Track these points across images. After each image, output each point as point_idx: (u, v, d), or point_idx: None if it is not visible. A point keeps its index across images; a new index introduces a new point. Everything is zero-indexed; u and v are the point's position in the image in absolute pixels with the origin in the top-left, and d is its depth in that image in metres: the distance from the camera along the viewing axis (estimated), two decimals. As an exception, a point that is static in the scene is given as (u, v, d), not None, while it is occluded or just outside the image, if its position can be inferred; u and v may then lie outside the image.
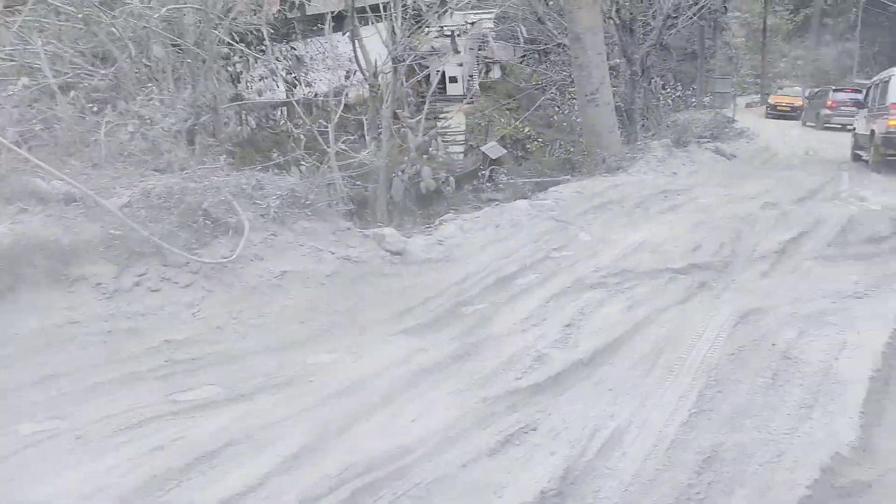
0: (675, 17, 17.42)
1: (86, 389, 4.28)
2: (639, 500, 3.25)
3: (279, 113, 18.22)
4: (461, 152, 24.10)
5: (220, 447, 3.69)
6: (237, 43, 13.86)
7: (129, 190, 5.77)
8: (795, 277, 6.66)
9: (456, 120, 26.28)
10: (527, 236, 8.18)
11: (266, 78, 17.08)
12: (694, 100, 26.98)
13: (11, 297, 5.07)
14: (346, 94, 14.72)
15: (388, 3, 10.89)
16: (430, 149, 10.19)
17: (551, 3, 18.73)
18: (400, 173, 10.27)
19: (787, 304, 5.69)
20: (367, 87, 10.17)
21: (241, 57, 14.54)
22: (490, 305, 6.11)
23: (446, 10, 11.64)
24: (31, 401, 4.13)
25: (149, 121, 7.52)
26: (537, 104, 19.46)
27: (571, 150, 18.27)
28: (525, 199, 9.89)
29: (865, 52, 39.48)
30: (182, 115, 8.36)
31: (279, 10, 17.98)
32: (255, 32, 16.49)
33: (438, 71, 15.12)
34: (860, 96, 17.31)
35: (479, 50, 27.61)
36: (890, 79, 13.98)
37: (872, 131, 14.38)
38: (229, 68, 15.02)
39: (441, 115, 26.19)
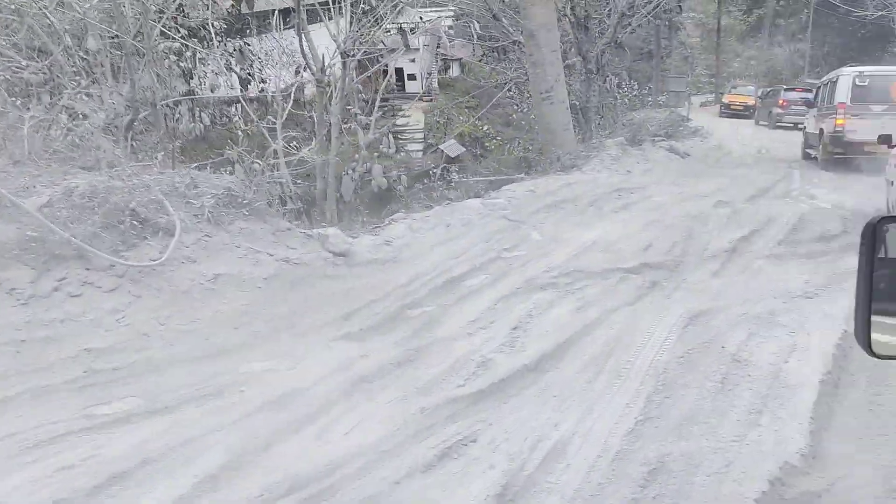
0: (630, 16, 17.41)
1: (-9, 405, 3.96)
2: (581, 517, 3.08)
3: (234, 109, 17.78)
4: (420, 150, 23.86)
5: (135, 466, 3.41)
6: (189, 38, 13.45)
7: (50, 189, 5.41)
8: (746, 277, 6.58)
9: (414, 118, 26.02)
10: (478, 236, 7.99)
11: (220, 74, 16.64)
12: (650, 99, 27.12)
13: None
14: (303, 91, 14.39)
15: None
16: (381, 146, 9.92)
17: (507, -1, 18.61)
18: (350, 171, 9.98)
19: (738, 305, 5.59)
20: (315, 82, 9.85)
21: (193, 52, 14.10)
22: (438, 308, 5.90)
23: (398, 6, 11.39)
24: (-71, 419, 3.80)
25: (81, 116, 7.14)
26: (492, 101, 19.28)
27: (530, 148, 18.15)
28: (478, 197, 9.70)
29: (816, 52, 40.24)
30: (118, 110, 7.98)
31: (232, 6, 17.53)
32: (207, 28, 16.06)
33: (388, 67, 14.85)
34: (811, 96, 17.51)
35: (437, 47, 27.41)
36: (838, 79, 14.14)
37: (821, 130, 14.53)
38: (181, 63, 14.58)
39: (399, 113, 25.91)
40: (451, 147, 21.71)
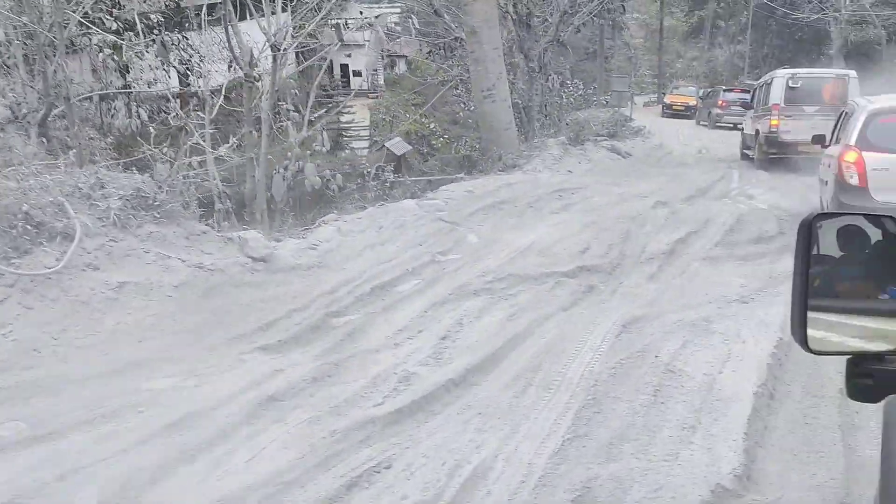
0: (573, 14, 17.32)
1: None
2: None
3: (173, 104, 17.10)
4: (365, 148, 23.46)
5: (1, 506, 3.02)
6: (125, 31, 12.81)
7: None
8: (682, 280, 6.44)
9: (360, 115, 25.57)
10: (412, 239, 7.69)
11: (156, 68, 15.95)
12: (595, 98, 27.21)
13: None
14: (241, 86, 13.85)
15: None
16: (315, 144, 9.53)
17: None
18: (282, 170, 9.56)
19: (673, 311, 5.42)
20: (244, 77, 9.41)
21: (128, 45, 13.43)
22: (363, 316, 5.59)
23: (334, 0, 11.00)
24: None
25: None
26: (436, 97, 19.00)
27: (477, 146, 17.94)
28: (415, 198, 9.39)
29: (756, 54, 41.07)
30: (32, 104, 7.43)
31: (169, -1, 16.82)
32: (145, 21, 15.36)
33: (330, 63, 14.44)
34: (749, 97, 17.75)
35: (383, 43, 26.99)
36: (772, 81, 14.37)
37: (757, 131, 14.75)
38: (115, 58, 13.90)
39: (340, 110, 25.41)
40: (397, 145, 21.36)
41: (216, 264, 5.73)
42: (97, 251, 5.31)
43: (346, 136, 25.22)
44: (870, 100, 7.75)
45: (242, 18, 11.40)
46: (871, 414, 3.66)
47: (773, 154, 13.86)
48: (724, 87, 28.85)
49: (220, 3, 9.03)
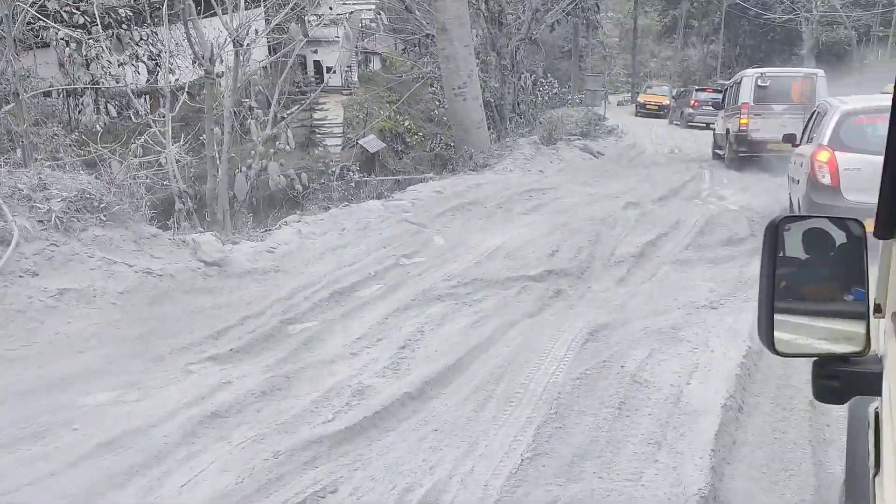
0: (545, 12, 17.17)
1: None
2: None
3: (143, 101, 16.72)
4: (339, 145, 23.14)
5: None
6: (91, 25, 12.45)
7: None
8: (651, 285, 6.29)
9: (334, 112, 25.21)
10: (375, 241, 7.46)
11: (124, 64, 15.58)
12: (570, 97, 27.16)
13: None
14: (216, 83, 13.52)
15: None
16: (278, 143, 9.25)
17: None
18: (245, 169, 9.28)
19: (641, 318, 5.26)
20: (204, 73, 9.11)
21: (89, 41, 13.05)
22: (321, 323, 5.36)
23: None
24: None
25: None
26: (407, 94, 18.76)
27: (451, 145, 17.77)
28: (381, 198, 9.16)
29: (728, 54, 41.37)
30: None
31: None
32: (112, 15, 14.98)
33: (300, 59, 14.16)
34: (720, 97, 17.77)
35: (358, 40, 26.64)
36: (742, 80, 14.42)
37: (728, 130, 14.77)
38: (80, 53, 13.51)
39: (317, 107, 25.04)
40: (371, 142, 21.10)
41: (166, 269, 5.45)
42: (36, 256, 5.02)
43: (319, 134, 24.88)
44: (843, 100, 7.70)
45: (211, 14, 11.11)
46: (843, 428, 3.51)
47: (742, 152, 13.89)
48: (696, 87, 28.97)
49: (181, -4, 8.71)
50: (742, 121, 13.70)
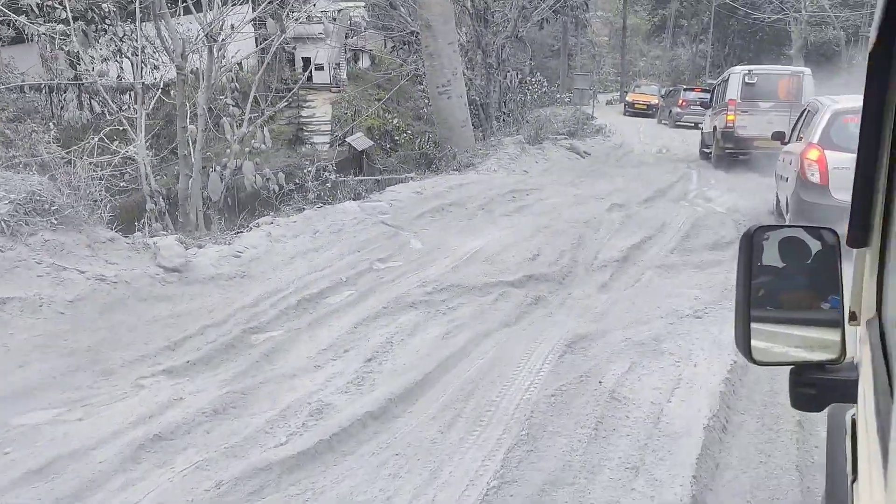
0: (532, 9, 16.92)
1: None
2: None
3: (128, 97, 16.39)
4: (326, 143, 22.83)
5: None
6: (75, 20, 12.09)
7: None
8: (634, 291, 6.03)
9: (322, 110, 24.89)
10: (349, 245, 7.17)
11: (107, 59, 15.22)
12: (558, 96, 26.93)
13: None
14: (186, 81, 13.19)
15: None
16: (253, 141, 8.94)
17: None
18: (220, 168, 8.97)
19: (622, 328, 5.00)
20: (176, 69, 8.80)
21: (77, 35, 12.70)
22: (286, 333, 5.08)
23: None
24: None
25: None
26: (394, 90, 18.47)
27: (438, 143, 17.49)
28: (358, 199, 8.87)
29: (717, 53, 41.26)
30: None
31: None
32: (97, 10, 14.62)
33: (265, 54, 13.83)
34: (708, 97, 17.63)
35: (346, 38, 26.33)
36: (729, 77, 14.33)
37: (715, 127, 14.65)
38: (65, 47, 13.14)
39: (305, 104, 24.68)
40: (359, 140, 20.78)
41: (121, 276, 5.15)
42: (-21, 263, 4.72)
43: (306, 131, 24.58)
44: (834, 99, 7.56)
45: (187, 11, 10.81)
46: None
47: (729, 149, 13.78)
48: (684, 87, 28.81)
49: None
50: (729, 117, 13.61)
